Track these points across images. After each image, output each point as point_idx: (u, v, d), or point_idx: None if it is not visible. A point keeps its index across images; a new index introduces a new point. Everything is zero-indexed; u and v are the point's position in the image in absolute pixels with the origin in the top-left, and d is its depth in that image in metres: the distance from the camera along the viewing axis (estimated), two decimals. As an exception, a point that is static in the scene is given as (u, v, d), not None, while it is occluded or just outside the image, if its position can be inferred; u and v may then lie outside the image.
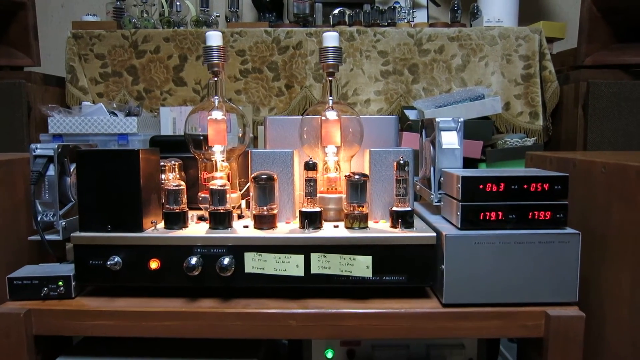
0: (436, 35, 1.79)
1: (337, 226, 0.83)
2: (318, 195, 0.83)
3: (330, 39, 0.88)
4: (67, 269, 0.81)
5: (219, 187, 0.81)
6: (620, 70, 1.65)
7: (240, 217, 0.90)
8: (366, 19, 1.88)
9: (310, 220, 0.80)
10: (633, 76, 1.64)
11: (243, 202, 0.93)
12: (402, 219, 0.80)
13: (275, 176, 0.83)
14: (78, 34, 1.82)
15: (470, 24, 1.94)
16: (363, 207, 0.81)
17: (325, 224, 0.83)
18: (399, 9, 1.90)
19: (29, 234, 0.86)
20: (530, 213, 0.76)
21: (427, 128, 0.95)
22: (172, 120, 1.69)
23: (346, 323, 0.76)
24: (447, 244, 0.75)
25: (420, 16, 2.03)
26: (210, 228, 0.81)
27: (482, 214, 0.76)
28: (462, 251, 0.75)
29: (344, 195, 0.85)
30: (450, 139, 0.88)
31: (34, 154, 0.84)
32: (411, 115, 1.69)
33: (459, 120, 0.88)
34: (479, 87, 1.73)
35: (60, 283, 0.79)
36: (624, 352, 0.73)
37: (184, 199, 0.83)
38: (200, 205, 0.89)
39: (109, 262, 0.77)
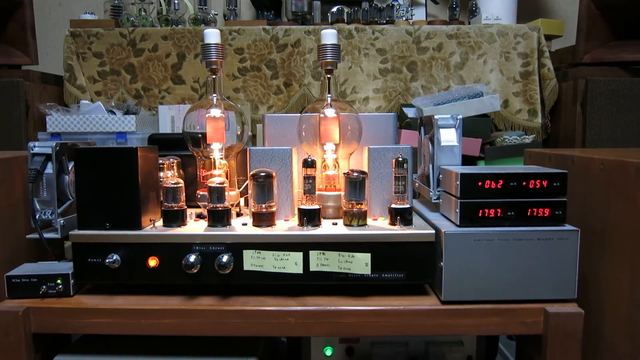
0: (435, 33, 1.79)
1: (336, 224, 0.83)
2: (317, 192, 0.83)
3: (329, 36, 0.88)
4: (65, 267, 0.81)
5: (218, 185, 0.81)
6: (618, 67, 1.65)
7: (239, 214, 0.90)
8: (364, 17, 1.88)
9: (309, 217, 0.79)
10: (631, 73, 1.64)
11: (242, 200, 0.93)
12: (401, 216, 0.80)
13: (273, 174, 0.83)
14: (76, 32, 1.81)
15: (468, 22, 1.94)
16: (362, 204, 0.81)
17: (324, 222, 0.83)
18: (398, 7, 1.90)
19: (27, 232, 0.86)
20: (529, 210, 0.76)
21: (426, 125, 0.95)
22: (170, 118, 1.68)
23: (345, 320, 0.76)
24: (446, 241, 0.75)
25: (419, 14, 2.04)
26: (208, 226, 0.81)
27: (480, 211, 0.76)
28: (461, 248, 0.75)
29: (342, 193, 0.84)
30: (449, 136, 0.88)
31: (32, 152, 0.84)
32: (410, 113, 1.69)
33: (458, 117, 0.88)
34: (477, 85, 1.73)
35: (58, 281, 0.79)
36: (623, 348, 0.73)
37: (183, 196, 0.83)
38: (199, 203, 0.89)
39: (107, 260, 0.77)
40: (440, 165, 0.87)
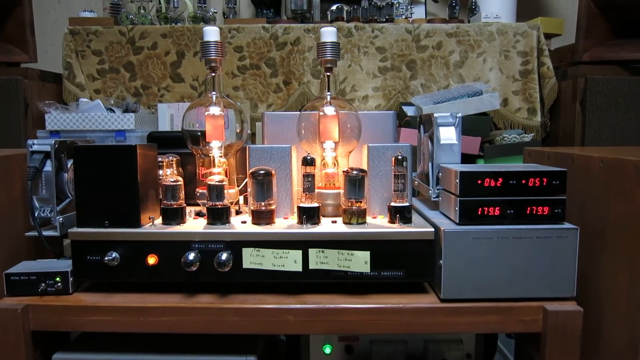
0: (434, 32, 1.79)
1: (335, 222, 0.83)
2: (316, 190, 0.83)
3: (328, 34, 0.88)
4: (64, 264, 0.81)
5: (217, 183, 0.81)
6: (618, 66, 1.65)
7: (238, 212, 0.90)
8: (364, 15, 1.88)
9: (308, 215, 0.79)
10: (631, 72, 1.64)
11: (241, 198, 0.93)
12: (400, 214, 0.80)
13: (273, 172, 0.82)
14: (75, 30, 1.81)
15: (468, 20, 1.93)
16: (361, 202, 0.81)
17: (323, 220, 0.83)
18: (397, 5, 1.90)
19: (26, 230, 0.86)
20: (529, 208, 0.76)
21: (426, 124, 0.95)
22: (169, 116, 1.68)
23: (344, 318, 0.76)
24: (445, 239, 0.75)
25: (418, 12, 2.03)
26: (208, 224, 0.81)
27: (480, 209, 0.76)
28: (460, 246, 0.75)
29: (342, 191, 0.84)
30: (448, 135, 0.88)
31: (30, 149, 0.84)
32: (409, 111, 1.68)
33: (457, 115, 0.88)
34: (477, 83, 1.73)
35: (57, 279, 0.79)
36: (622, 346, 0.73)
37: (182, 194, 0.82)
38: (198, 201, 0.89)
39: (106, 258, 0.77)
40: (440, 164, 0.87)
